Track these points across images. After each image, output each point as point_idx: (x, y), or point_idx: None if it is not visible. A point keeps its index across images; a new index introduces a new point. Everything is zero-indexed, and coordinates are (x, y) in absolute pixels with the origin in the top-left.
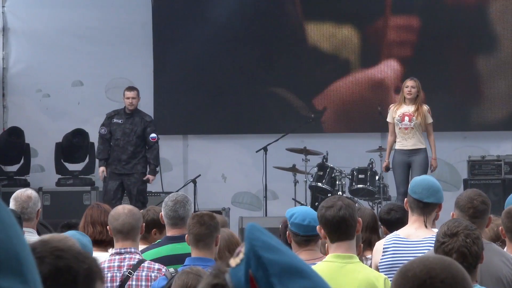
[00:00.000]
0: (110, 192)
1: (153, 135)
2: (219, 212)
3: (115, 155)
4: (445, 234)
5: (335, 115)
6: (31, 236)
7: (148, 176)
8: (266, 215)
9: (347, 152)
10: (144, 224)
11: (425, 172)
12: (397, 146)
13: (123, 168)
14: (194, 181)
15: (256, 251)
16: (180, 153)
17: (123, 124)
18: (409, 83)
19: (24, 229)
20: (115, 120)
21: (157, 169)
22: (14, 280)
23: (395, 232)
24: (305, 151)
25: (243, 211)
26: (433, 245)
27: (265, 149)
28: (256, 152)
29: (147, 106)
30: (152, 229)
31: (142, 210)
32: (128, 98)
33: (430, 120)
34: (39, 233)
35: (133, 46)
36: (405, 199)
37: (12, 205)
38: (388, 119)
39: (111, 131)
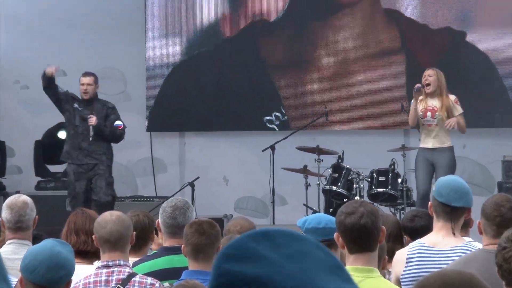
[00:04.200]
0: (80, 196)
1: (118, 122)
2: (220, 220)
3: (75, 144)
4: (508, 239)
5: (352, 109)
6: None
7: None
8: (273, 223)
9: (366, 152)
10: (134, 233)
11: (451, 173)
12: (421, 143)
13: (85, 158)
14: (192, 184)
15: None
16: (176, 153)
17: (82, 111)
18: (427, 72)
19: (20, 241)
20: (75, 105)
21: (106, 132)
22: (3, 283)
23: (419, 240)
24: (318, 150)
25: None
26: (463, 255)
27: (272, 147)
28: (262, 151)
29: (139, 100)
30: None
31: None
32: (83, 84)
33: (458, 111)
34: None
35: (123, 34)
36: (429, 202)
37: (6, 214)
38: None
39: (69, 111)
